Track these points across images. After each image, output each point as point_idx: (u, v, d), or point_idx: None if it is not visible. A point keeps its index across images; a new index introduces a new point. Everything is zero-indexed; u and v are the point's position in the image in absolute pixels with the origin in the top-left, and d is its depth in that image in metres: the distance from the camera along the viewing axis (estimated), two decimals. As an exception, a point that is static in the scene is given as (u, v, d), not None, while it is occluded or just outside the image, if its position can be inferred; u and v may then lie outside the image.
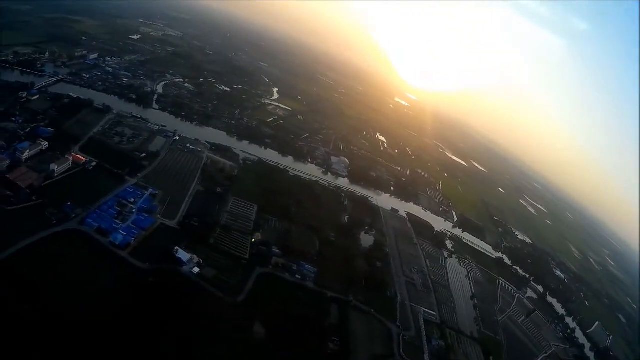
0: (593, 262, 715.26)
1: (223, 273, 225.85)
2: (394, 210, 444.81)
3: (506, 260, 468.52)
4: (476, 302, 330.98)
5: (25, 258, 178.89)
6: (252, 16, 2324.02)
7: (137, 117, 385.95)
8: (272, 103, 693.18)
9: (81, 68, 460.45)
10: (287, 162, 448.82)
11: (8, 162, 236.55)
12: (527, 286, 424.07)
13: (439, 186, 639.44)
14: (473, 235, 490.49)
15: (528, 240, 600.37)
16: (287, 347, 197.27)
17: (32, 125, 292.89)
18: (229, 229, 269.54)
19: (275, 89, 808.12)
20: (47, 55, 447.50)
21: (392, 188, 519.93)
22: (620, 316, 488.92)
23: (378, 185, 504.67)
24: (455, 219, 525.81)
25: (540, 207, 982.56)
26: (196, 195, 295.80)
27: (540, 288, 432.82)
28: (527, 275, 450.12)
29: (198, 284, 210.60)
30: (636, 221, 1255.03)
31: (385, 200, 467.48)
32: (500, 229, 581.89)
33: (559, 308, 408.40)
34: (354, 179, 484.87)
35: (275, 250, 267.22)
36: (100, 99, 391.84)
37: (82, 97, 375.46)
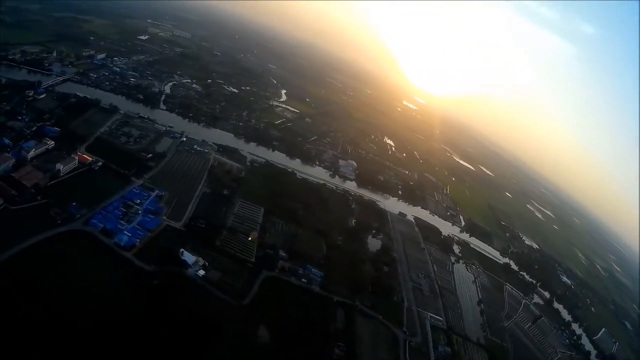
0: (599, 268, 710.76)
1: (228, 276, 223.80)
2: (402, 214, 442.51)
3: (513, 265, 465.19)
4: (483, 307, 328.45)
5: (29, 258, 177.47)
6: (257, 16, 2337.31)
7: (144, 118, 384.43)
8: (280, 105, 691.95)
9: (89, 68, 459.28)
10: (294, 165, 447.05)
11: (13, 160, 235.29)
12: (533, 292, 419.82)
13: (446, 190, 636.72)
14: (480, 240, 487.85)
15: (535, 246, 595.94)
16: (292, 351, 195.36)
17: (39, 124, 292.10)
18: (235, 232, 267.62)
19: (284, 91, 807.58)
20: (54, 54, 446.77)
21: (399, 192, 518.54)
22: (626, 323, 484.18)
23: (386, 188, 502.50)
24: (463, 223, 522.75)
25: (548, 212, 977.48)
26: (202, 197, 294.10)
27: (546, 294, 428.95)
28: (534, 281, 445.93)
29: (203, 287, 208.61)
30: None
31: (392, 204, 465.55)
32: (507, 234, 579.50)
33: (566, 314, 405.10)
34: (361, 183, 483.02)
35: (282, 253, 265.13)
36: (107, 98, 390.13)
37: (89, 96, 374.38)
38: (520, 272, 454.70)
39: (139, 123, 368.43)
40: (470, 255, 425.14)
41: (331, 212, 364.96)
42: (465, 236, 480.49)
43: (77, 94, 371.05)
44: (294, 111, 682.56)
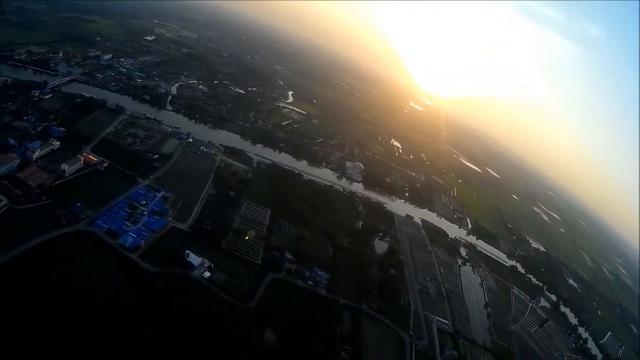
0: (606, 271, 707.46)
1: (234, 278, 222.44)
2: (409, 217, 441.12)
3: (520, 268, 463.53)
4: (490, 311, 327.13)
5: (33, 258, 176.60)
6: (262, 16, 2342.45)
7: (150, 118, 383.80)
8: (287, 106, 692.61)
9: (95, 68, 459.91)
10: (301, 166, 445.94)
11: (19, 160, 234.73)
12: (540, 295, 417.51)
13: (453, 192, 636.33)
14: (487, 243, 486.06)
15: (542, 249, 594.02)
16: (298, 354, 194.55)
17: (44, 125, 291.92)
18: (241, 233, 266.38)
19: (290, 92, 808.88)
20: (60, 54, 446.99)
21: (406, 194, 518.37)
22: (632, 326, 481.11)
23: (392, 191, 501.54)
24: (470, 225, 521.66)
25: (554, 214, 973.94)
26: (209, 198, 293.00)
27: (553, 297, 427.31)
28: (541, 284, 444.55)
29: (209, 289, 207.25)
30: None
31: (399, 206, 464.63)
32: (514, 237, 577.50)
33: (572, 318, 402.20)
34: (368, 185, 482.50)
35: (288, 255, 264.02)
36: (113, 99, 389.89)
37: (95, 97, 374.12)
38: (527, 275, 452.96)
39: (145, 124, 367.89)
40: (477, 257, 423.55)
41: (338, 214, 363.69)
42: (472, 239, 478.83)
43: (83, 94, 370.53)
44: (300, 112, 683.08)
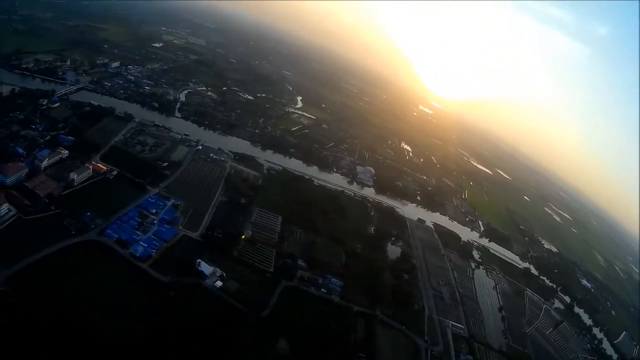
0: (618, 270, 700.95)
1: (247, 286, 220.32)
2: (421, 221, 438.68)
3: (533, 270, 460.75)
4: (504, 314, 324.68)
5: (43, 269, 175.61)
6: (262, 16, 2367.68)
7: (159, 126, 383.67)
8: (296, 112, 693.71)
9: (103, 76, 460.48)
10: (312, 172, 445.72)
11: (27, 170, 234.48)
12: (554, 297, 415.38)
13: (464, 195, 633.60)
14: (500, 245, 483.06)
15: (554, 250, 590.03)
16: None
17: (52, 133, 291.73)
18: (253, 241, 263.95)
19: (299, 98, 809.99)
20: (68, 62, 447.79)
21: (418, 198, 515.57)
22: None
23: (404, 195, 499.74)
24: (482, 228, 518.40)
25: (566, 215, 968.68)
26: (219, 205, 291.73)
27: (567, 298, 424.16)
28: (554, 286, 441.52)
29: (221, 298, 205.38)
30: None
31: (411, 210, 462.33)
32: (526, 238, 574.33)
33: (586, 318, 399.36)
34: (379, 189, 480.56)
35: (301, 263, 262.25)
36: (122, 107, 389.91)
37: (103, 105, 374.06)
38: (541, 277, 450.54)
39: (154, 131, 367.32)
40: (490, 260, 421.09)
41: (350, 220, 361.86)
42: (484, 241, 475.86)
43: (92, 102, 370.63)
44: (310, 117, 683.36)
